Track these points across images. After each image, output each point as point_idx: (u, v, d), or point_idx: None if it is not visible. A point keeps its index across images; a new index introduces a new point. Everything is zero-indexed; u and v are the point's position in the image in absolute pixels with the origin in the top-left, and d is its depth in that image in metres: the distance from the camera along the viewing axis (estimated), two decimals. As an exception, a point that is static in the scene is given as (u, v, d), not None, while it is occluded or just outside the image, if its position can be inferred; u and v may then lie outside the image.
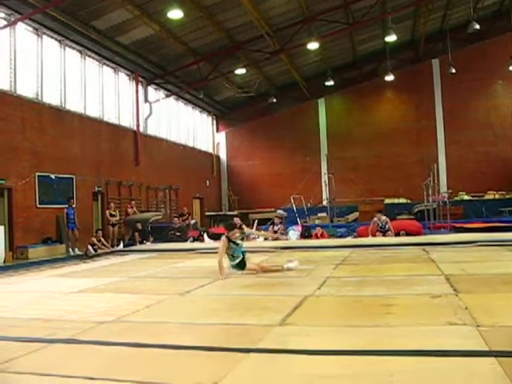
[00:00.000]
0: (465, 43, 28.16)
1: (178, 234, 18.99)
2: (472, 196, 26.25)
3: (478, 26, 22.17)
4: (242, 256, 8.42)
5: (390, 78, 28.47)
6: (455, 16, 26.47)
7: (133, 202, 20.93)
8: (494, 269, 7.60)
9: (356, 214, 24.54)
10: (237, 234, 8.66)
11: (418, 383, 3.02)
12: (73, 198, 17.10)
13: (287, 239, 16.87)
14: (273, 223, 17.60)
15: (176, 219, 20.49)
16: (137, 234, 18.55)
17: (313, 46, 23.16)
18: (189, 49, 22.67)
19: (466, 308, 4.86)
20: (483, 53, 28.53)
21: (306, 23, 22.12)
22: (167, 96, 26.09)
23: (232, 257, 8.40)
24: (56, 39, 18.32)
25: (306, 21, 22.07)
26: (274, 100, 29.73)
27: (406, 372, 3.20)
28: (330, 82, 29.03)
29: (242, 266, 8.41)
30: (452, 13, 25.82)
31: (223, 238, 8.47)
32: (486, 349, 3.54)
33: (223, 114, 32.86)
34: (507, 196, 25.34)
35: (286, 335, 4.28)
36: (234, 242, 8.41)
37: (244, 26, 21.67)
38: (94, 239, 16.15)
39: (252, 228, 18.18)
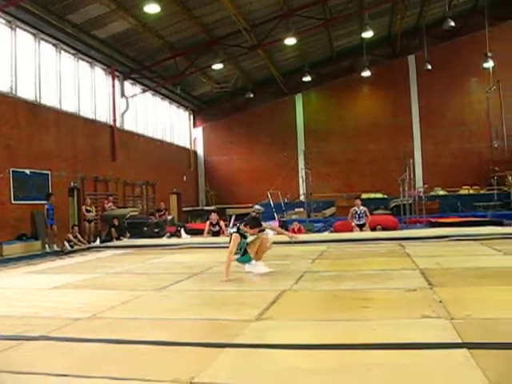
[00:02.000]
0: (440, 40, 28.46)
1: (155, 229, 18.91)
2: (447, 191, 26.60)
3: (453, 23, 22.40)
4: (245, 247, 7.76)
5: (366, 73, 28.62)
6: (431, 13, 26.71)
7: (110, 198, 20.78)
8: (468, 263, 7.71)
9: (333, 209, 24.69)
10: (256, 230, 7.91)
11: (394, 376, 3.05)
12: (53, 194, 16.91)
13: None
14: (250, 218, 17.58)
15: (153, 215, 20.39)
16: (113, 229, 18.43)
17: (290, 41, 23.20)
18: (166, 43, 22.54)
19: (441, 301, 4.93)
20: (458, 50, 28.85)
21: (283, 19, 22.13)
22: (144, 91, 25.92)
23: (240, 250, 7.74)
24: (30, 32, 18.05)
25: (284, 16, 22.08)
26: (252, 95, 29.69)
27: (383, 365, 3.23)
28: (308, 78, 29.13)
29: (248, 258, 7.81)
30: (428, 9, 26.04)
31: (236, 235, 7.67)
32: (459, 341, 3.60)
33: (200, 109, 32.75)
34: (481, 191, 25.70)
35: (263, 330, 4.29)
36: (244, 236, 7.80)
37: (221, 20, 21.60)
38: (70, 235, 16.00)
39: (229, 223, 18.22)
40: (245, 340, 3.98)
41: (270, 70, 28.41)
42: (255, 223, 7.99)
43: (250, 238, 7.87)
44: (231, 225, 18.51)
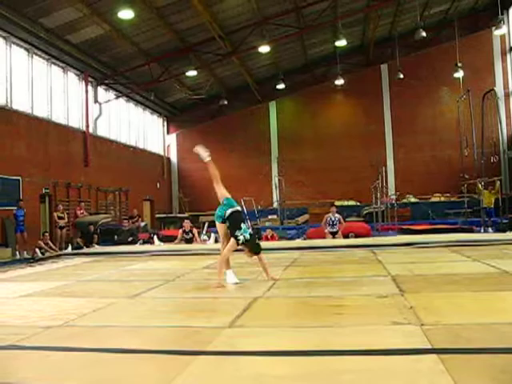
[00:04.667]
0: (412, 50, 28.92)
1: (127, 236, 18.78)
2: (419, 198, 26.93)
3: (424, 34, 22.78)
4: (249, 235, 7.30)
5: (340, 82, 28.90)
6: (403, 23, 27.13)
7: (82, 204, 20.59)
8: (439, 269, 7.81)
9: (306, 216, 24.80)
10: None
11: (365, 382, 3.07)
12: (22, 200, 16.67)
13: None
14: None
15: (126, 221, 20.26)
16: (86, 236, 18.25)
17: (264, 49, 23.34)
18: (140, 50, 22.49)
19: (411, 307, 4.98)
20: (430, 59, 29.34)
21: (257, 26, 22.26)
22: (117, 97, 25.81)
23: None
24: (1, 36, 17.86)
25: (258, 24, 22.22)
26: (226, 102, 29.77)
27: (353, 371, 3.26)
28: (282, 85, 29.32)
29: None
30: (400, 20, 26.45)
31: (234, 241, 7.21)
32: (429, 346, 3.64)
33: (174, 115, 32.71)
34: (452, 198, 26.09)
35: (236, 337, 4.29)
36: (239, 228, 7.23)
37: (196, 28, 21.65)
38: (41, 242, 15.81)
39: (202, 230, 18.19)
40: (217, 347, 3.97)
41: (244, 78, 28.51)
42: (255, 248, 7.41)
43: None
44: (204, 232, 18.48)
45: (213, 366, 3.56)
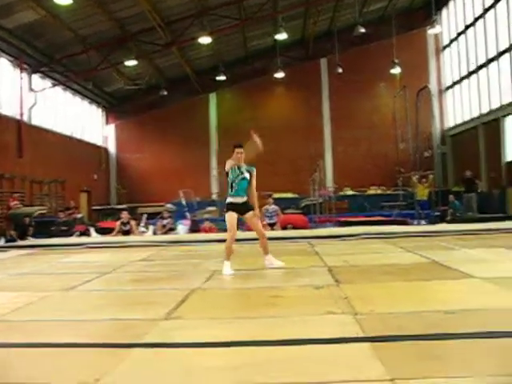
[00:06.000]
0: (352, 45, 29.40)
1: (63, 228, 18.36)
2: (356, 191, 27.46)
3: (363, 30, 23.24)
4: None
5: (280, 75, 29.08)
6: (343, 18, 27.56)
7: (15, 196, 19.96)
8: (373, 260, 8.02)
9: (245, 208, 24.86)
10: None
11: (300, 370, 3.13)
12: None
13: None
14: (162, 217, 17.46)
15: (61, 213, 19.80)
16: (20, 229, 17.71)
17: (205, 40, 23.22)
18: (78, 37, 21.95)
19: (346, 297, 5.10)
20: (368, 55, 29.89)
21: (198, 17, 22.11)
22: (54, 85, 25.10)
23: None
24: None
25: (199, 14, 22.07)
26: (165, 93, 29.46)
27: (287, 360, 3.31)
28: (222, 77, 29.23)
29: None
30: (340, 15, 26.86)
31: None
32: (362, 335, 3.75)
33: (113, 105, 32.12)
34: (388, 191, 26.74)
35: (172, 329, 4.27)
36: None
37: (136, 16, 21.32)
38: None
39: (140, 222, 18.01)
40: (153, 339, 3.95)
41: (185, 69, 28.30)
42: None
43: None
44: (143, 224, 18.29)
45: (148, 358, 3.54)
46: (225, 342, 3.79)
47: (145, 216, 19.52)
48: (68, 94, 27.47)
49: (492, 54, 25.02)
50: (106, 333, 4.36)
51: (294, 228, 16.73)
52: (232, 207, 7.49)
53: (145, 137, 31.93)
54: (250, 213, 7.57)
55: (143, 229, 17.29)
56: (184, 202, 22.55)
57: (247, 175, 7.63)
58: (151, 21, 21.33)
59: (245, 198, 7.59)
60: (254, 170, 7.70)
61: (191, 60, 28.37)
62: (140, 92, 30.07)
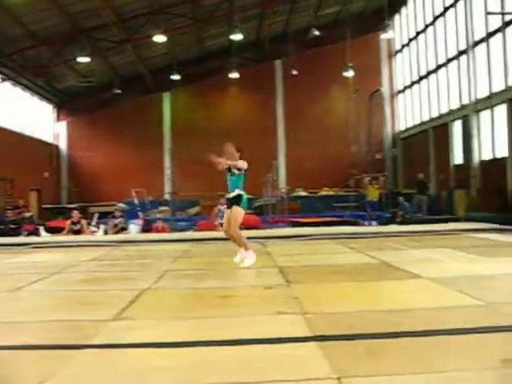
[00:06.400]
0: (306, 47, 29.64)
1: (11, 227, 17.94)
2: (309, 192, 27.73)
3: (317, 32, 23.50)
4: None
5: (234, 75, 29.10)
6: (298, 21, 27.79)
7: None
8: (325, 261, 8.12)
9: (197, 208, 24.84)
10: None
11: (248, 369, 3.14)
12: None
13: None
14: (113, 216, 17.25)
15: (10, 212, 19.33)
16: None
17: (159, 38, 23.04)
18: (28, 31, 21.43)
19: (296, 298, 5.13)
20: (323, 58, 30.23)
21: (153, 15, 21.92)
22: (3, 80, 24.46)
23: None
24: None
25: (154, 12, 21.88)
26: (119, 91, 29.09)
27: (236, 361, 3.32)
28: (177, 77, 29.06)
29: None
30: (295, 17, 27.07)
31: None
32: (310, 334, 3.79)
33: (64, 102, 31.54)
34: (340, 192, 27.10)
35: (121, 330, 4.21)
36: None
37: (89, 12, 20.98)
38: None
39: (92, 221, 17.75)
40: (101, 341, 3.88)
41: (139, 67, 28.02)
42: None
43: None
44: (94, 223, 18.01)
45: (95, 359, 3.49)
46: (174, 343, 3.76)
47: (96, 215, 19.25)
48: (18, 90, 26.81)
49: (442, 60, 25.69)
50: (52, 334, 4.26)
51: (247, 228, 16.73)
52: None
53: (97, 135, 31.47)
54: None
55: (94, 228, 17.03)
56: (136, 202, 22.34)
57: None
58: (105, 17, 21.02)
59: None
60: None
61: (146, 58, 28.10)
62: (93, 89, 29.62)
